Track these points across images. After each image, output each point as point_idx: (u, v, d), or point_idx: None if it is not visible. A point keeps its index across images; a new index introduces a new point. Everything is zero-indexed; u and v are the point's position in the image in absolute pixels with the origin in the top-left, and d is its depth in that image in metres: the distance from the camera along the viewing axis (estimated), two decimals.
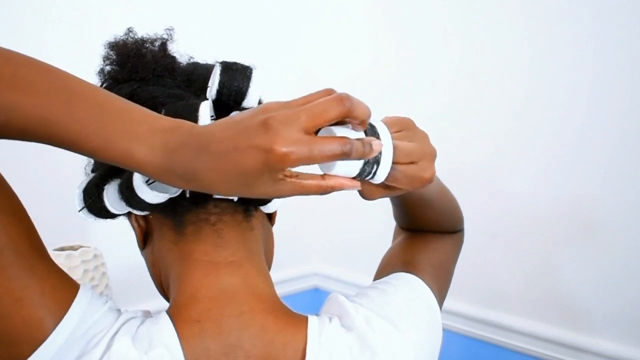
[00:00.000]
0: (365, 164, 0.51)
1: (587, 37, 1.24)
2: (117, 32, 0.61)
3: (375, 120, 0.54)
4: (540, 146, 1.33)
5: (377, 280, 0.71)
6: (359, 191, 0.56)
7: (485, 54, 1.42)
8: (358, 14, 1.74)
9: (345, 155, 0.45)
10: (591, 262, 1.25)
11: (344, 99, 0.45)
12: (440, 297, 0.72)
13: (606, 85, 1.21)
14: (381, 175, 0.53)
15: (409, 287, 0.68)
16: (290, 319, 0.61)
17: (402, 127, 0.57)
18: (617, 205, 1.21)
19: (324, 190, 0.48)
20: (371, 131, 0.52)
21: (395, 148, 0.53)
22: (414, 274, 0.70)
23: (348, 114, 0.46)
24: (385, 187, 0.56)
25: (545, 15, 1.30)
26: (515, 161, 1.38)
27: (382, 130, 0.53)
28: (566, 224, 1.29)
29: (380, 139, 0.52)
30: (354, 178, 0.51)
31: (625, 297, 1.21)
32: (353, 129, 0.49)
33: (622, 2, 1.18)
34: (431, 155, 0.57)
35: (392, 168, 0.53)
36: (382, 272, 0.75)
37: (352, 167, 0.50)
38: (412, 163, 0.54)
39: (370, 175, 0.52)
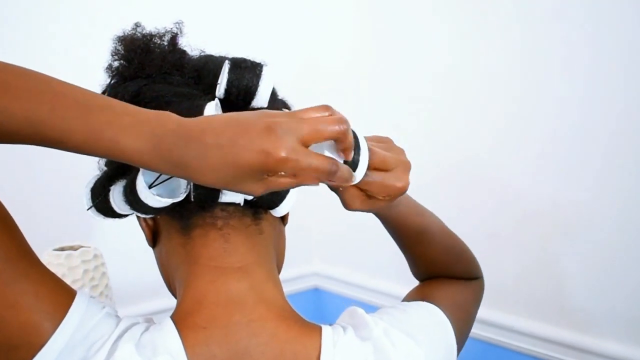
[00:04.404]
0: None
1: (580, 33, 1.23)
2: (125, 27, 0.59)
3: (356, 130, 0.58)
4: (538, 144, 1.32)
5: (398, 303, 0.72)
6: (340, 199, 0.62)
7: (479, 50, 1.41)
8: (353, 13, 1.74)
9: (330, 175, 0.48)
10: (591, 261, 1.25)
11: (343, 121, 0.49)
12: (460, 336, 0.71)
13: (601, 81, 1.20)
14: (358, 175, 0.56)
15: (429, 311, 0.69)
16: (302, 328, 0.59)
17: (382, 142, 0.63)
18: (616, 203, 1.20)
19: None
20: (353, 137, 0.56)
21: (371, 152, 0.57)
22: (434, 304, 0.70)
23: (342, 137, 0.50)
24: (366, 197, 0.60)
25: (539, 11, 1.29)
26: (512, 159, 1.37)
27: (361, 137, 0.57)
28: (565, 223, 1.29)
29: (359, 145, 0.55)
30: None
31: (625, 296, 1.21)
32: (338, 153, 0.53)
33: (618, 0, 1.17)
34: (406, 166, 0.60)
35: (367, 175, 0.57)
36: None
37: None
38: (386, 171, 0.58)
39: None
